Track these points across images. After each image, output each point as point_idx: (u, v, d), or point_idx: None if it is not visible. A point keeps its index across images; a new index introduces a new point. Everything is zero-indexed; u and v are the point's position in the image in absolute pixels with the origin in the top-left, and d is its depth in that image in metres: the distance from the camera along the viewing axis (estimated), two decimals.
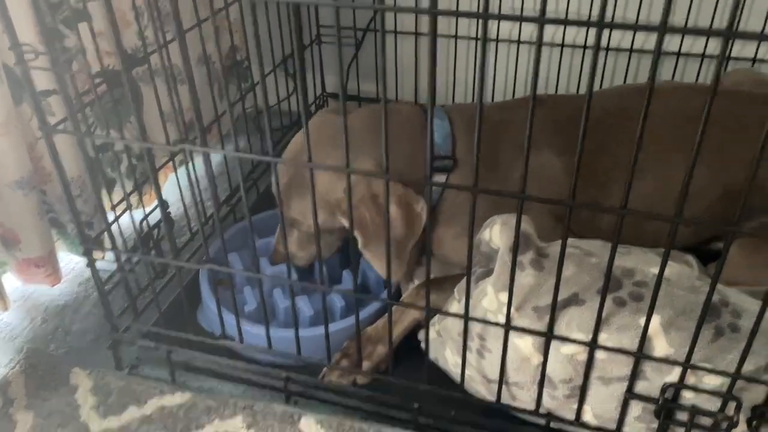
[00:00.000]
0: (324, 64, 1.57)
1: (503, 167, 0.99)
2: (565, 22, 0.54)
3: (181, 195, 1.13)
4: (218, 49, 0.77)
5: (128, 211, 0.95)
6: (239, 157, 0.76)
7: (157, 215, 0.96)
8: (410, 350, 0.94)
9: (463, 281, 0.87)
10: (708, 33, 0.51)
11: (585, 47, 1.42)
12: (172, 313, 1.02)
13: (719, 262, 0.61)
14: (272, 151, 0.74)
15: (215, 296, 0.92)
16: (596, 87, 1.45)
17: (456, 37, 1.47)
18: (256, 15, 0.65)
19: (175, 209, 1.25)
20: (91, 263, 0.90)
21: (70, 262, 1.19)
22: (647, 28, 0.51)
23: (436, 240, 1.04)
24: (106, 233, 0.91)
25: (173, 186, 1.16)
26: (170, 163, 1.13)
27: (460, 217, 1.00)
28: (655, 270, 0.74)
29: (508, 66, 1.49)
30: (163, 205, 0.98)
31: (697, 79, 1.39)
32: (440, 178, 0.99)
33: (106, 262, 1.12)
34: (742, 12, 1.29)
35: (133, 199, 1.08)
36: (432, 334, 0.92)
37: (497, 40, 1.45)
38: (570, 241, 0.80)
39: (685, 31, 0.53)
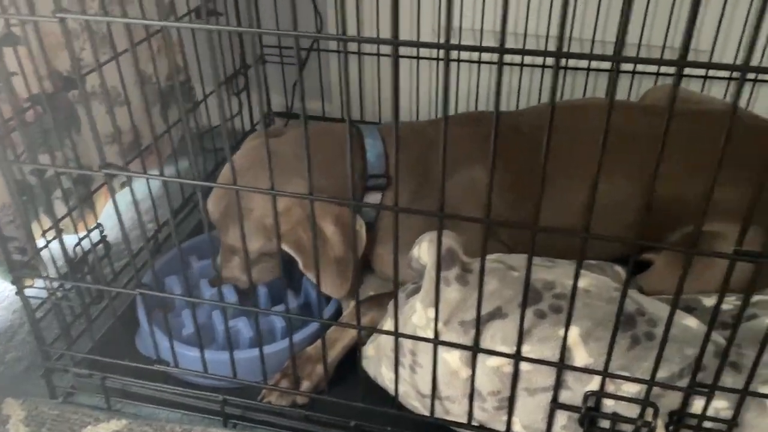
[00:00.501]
0: (269, 84, 1.58)
1: (434, 182, 1.01)
2: (524, 52, 0.56)
3: (119, 218, 1.11)
4: (155, 69, 0.77)
5: (60, 236, 0.93)
6: (166, 180, 0.76)
7: (94, 240, 0.95)
8: (353, 367, 0.95)
9: (400, 298, 0.88)
10: (659, 62, 0.54)
11: (544, 66, 1.46)
12: (109, 339, 1.00)
13: (627, 274, 0.63)
14: (200, 176, 0.74)
15: (153, 320, 0.92)
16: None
17: (418, 58, 1.49)
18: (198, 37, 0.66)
19: (116, 232, 1.24)
20: (20, 290, 0.88)
21: (5, 289, 1.16)
22: (603, 58, 0.53)
23: (376, 257, 1.05)
24: (36, 260, 0.89)
25: (114, 208, 1.15)
26: (109, 188, 1.12)
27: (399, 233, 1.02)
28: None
29: (470, 85, 1.51)
30: (98, 228, 0.97)
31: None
32: (375, 196, 1.00)
33: (39, 289, 1.10)
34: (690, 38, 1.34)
35: (69, 223, 1.06)
36: (370, 351, 0.93)
37: (459, 60, 1.48)
38: (495, 256, 0.82)
39: (637, 60, 0.55)
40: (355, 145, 1.01)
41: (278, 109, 1.64)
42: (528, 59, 1.45)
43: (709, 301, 0.91)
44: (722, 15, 1.29)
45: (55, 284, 0.90)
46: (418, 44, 0.57)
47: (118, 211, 0.87)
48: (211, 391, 0.92)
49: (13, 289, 1.16)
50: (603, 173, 0.95)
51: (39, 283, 0.92)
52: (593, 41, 1.38)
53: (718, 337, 0.75)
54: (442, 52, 1.45)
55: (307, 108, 1.60)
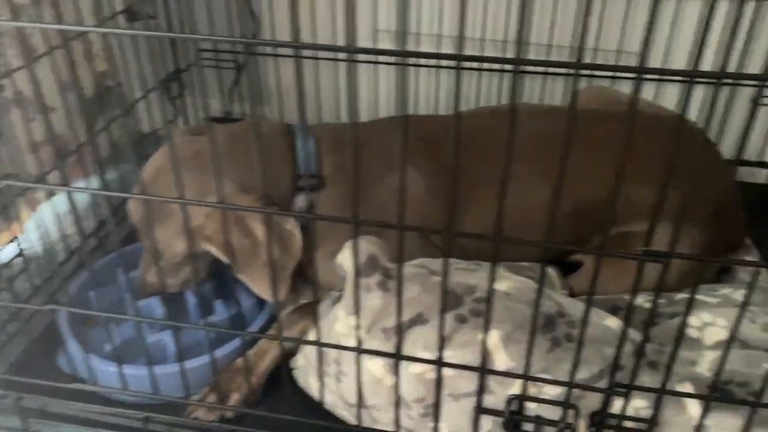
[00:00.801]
0: (206, 88, 1.54)
1: (369, 186, 0.99)
2: (483, 59, 0.54)
3: (38, 232, 1.07)
4: (75, 74, 0.73)
5: None
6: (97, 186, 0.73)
7: (11, 254, 0.91)
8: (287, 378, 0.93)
9: (323, 306, 0.87)
10: (560, 64, 0.53)
11: (502, 71, 1.44)
12: (29, 357, 0.96)
13: (541, 277, 0.63)
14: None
15: (74, 337, 0.88)
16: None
17: (377, 63, 1.47)
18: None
19: (40, 246, 1.19)
20: None
21: None
22: (562, 65, 0.52)
23: (308, 262, 1.03)
24: None
25: (42, 221, 1.11)
26: (34, 197, 1.08)
27: (329, 237, 1.00)
28: (498, 286, 0.76)
29: (429, 89, 1.50)
30: (16, 242, 0.93)
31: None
32: (308, 197, 0.98)
33: None
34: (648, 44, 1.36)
35: None
36: (300, 361, 0.91)
37: (417, 66, 1.45)
38: (418, 261, 0.81)
39: (596, 67, 0.53)
40: (285, 144, 0.98)
41: (217, 113, 1.60)
42: (487, 63, 1.44)
43: (637, 301, 0.92)
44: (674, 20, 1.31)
45: None
46: (378, 51, 0.55)
47: (47, 222, 0.84)
48: (137, 409, 0.89)
49: None
50: (532, 177, 0.95)
51: None
52: (549, 45, 1.37)
53: (638, 336, 0.76)
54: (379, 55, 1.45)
55: (245, 112, 1.57)
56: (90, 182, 1.28)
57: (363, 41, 1.48)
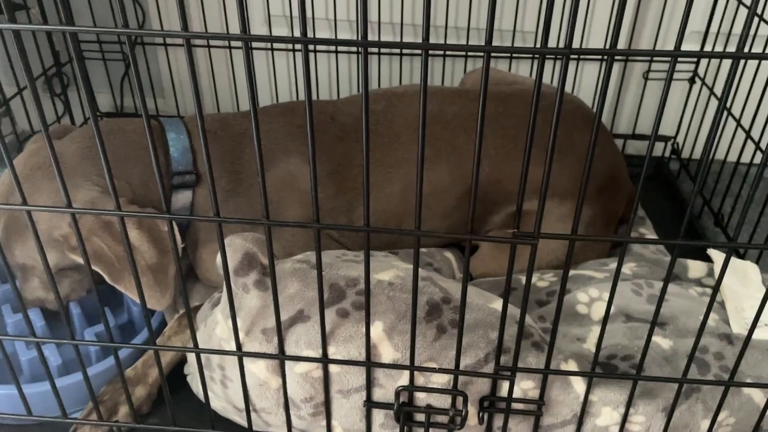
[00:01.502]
0: (92, 82, 1.45)
1: (248, 178, 0.95)
2: (331, 42, 0.51)
3: None
4: None
5: None
6: None
7: None
8: (181, 387, 0.88)
9: (204, 309, 0.83)
10: (467, 48, 0.50)
11: (358, 53, 1.41)
12: None
13: (415, 263, 0.61)
14: None
15: None
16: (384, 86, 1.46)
17: (272, 49, 1.43)
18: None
19: None
20: None
21: None
22: (412, 46, 0.49)
23: (197, 261, 0.98)
24: None
25: None
26: None
27: (213, 235, 0.95)
28: (381, 276, 0.74)
29: (330, 73, 1.46)
30: None
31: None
32: (184, 194, 0.93)
33: None
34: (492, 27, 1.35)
35: None
36: (191, 367, 0.87)
37: (315, 52, 1.41)
38: (300, 256, 0.78)
39: (445, 47, 0.50)
40: (157, 141, 0.93)
41: (107, 108, 1.51)
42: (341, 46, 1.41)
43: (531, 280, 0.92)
44: None
45: None
46: (272, 39, 0.51)
47: None
48: (17, 430, 0.83)
49: None
50: (424, 161, 0.94)
51: None
52: (402, 25, 1.36)
53: (528, 319, 0.75)
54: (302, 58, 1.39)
55: (138, 105, 1.48)
56: None
57: (257, 28, 1.42)
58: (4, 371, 0.86)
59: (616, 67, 1.38)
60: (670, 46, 1.34)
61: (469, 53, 1.40)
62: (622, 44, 1.34)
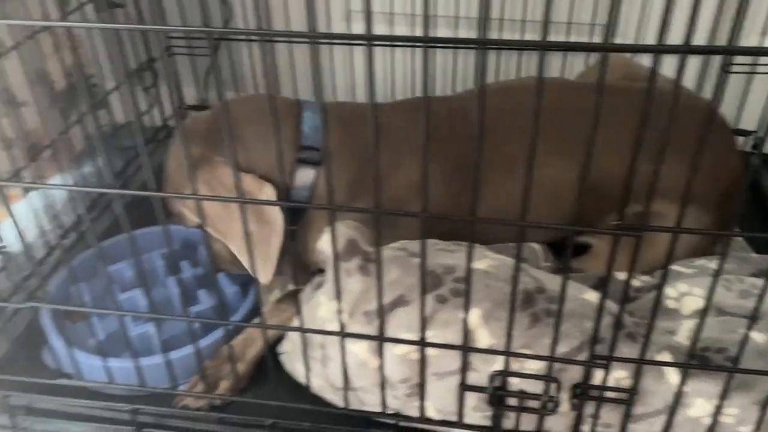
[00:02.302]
0: (179, 76, 1.52)
1: (380, 172, 0.95)
2: (446, 40, 0.54)
3: (16, 228, 1.06)
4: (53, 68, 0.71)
5: None
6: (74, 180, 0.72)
7: None
8: (275, 365, 0.93)
9: (306, 291, 0.87)
10: (588, 48, 0.52)
11: (477, 48, 1.41)
12: (13, 355, 0.96)
13: (518, 252, 0.63)
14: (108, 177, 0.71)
15: (59, 332, 0.88)
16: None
17: (351, 43, 1.44)
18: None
19: (18, 244, 1.18)
20: None
21: None
22: (529, 45, 0.52)
23: (304, 244, 1.01)
24: None
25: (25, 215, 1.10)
26: (12, 193, 1.07)
27: (324, 219, 0.94)
28: (477, 265, 0.76)
29: (405, 69, 1.48)
30: None
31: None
32: (308, 172, 0.94)
33: None
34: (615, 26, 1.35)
35: None
36: (287, 346, 0.92)
37: (377, 45, 1.42)
38: (398, 244, 0.81)
39: (565, 46, 0.53)
40: (292, 115, 0.95)
41: (192, 102, 1.58)
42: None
43: (622, 276, 0.92)
44: None
45: None
46: (339, 35, 0.55)
47: (26, 218, 0.83)
48: (125, 401, 0.89)
49: None
50: (541, 155, 0.93)
51: None
52: (523, 21, 1.35)
53: (615, 308, 0.77)
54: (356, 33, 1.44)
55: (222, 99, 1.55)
56: (66, 178, 1.27)
57: (337, 23, 1.46)
58: (115, 346, 0.93)
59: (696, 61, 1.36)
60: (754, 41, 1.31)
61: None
62: (702, 39, 1.32)
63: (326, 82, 1.54)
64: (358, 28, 1.47)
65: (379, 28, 1.45)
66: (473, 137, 0.93)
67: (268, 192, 0.89)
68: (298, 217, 0.96)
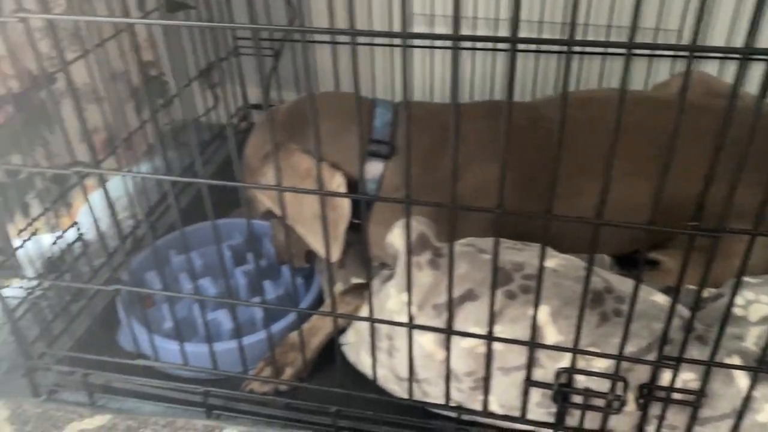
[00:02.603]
0: (244, 76, 1.57)
1: (442, 169, 0.96)
2: (536, 41, 0.56)
3: (93, 216, 1.12)
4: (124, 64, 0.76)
5: (35, 236, 0.94)
6: (139, 176, 0.77)
7: (71, 238, 0.95)
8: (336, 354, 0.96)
9: (374, 284, 0.90)
10: (674, 47, 0.53)
11: (559, 52, 1.39)
12: (91, 336, 1.01)
13: (591, 251, 0.64)
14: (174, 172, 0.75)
15: (132, 316, 0.92)
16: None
17: (432, 47, 1.49)
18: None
19: (95, 230, 1.24)
20: None
21: None
22: (615, 45, 0.53)
23: (376, 237, 1.02)
24: (12, 260, 0.90)
25: (95, 206, 1.15)
26: (89, 183, 1.12)
27: (396, 214, 0.93)
28: (545, 263, 0.77)
29: (485, 72, 1.50)
30: (75, 226, 0.98)
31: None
32: (377, 165, 0.97)
33: (16, 289, 1.10)
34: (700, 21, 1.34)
35: (46, 222, 1.07)
36: (350, 337, 0.94)
37: (474, 49, 1.43)
38: (466, 240, 0.83)
39: (652, 46, 0.54)
40: (365, 110, 1.00)
41: (255, 101, 1.63)
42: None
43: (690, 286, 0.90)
44: None
45: (33, 283, 0.90)
46: (430, 36, 0.57)
47: (99, 208, 0.88)
48: (194, 383, 0.93)
49: None
50: (621, 171, 0.90)
51: (17, 283, 0.92)
52: (609, 26, 1.35)
53: (685, 311, 0.77)
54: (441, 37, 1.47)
55: (282, 99, 1.59)
56: (140, 169, 1.33)
57: (398, 26, 1.49)
58: (185, 331, 0.97)
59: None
60: None
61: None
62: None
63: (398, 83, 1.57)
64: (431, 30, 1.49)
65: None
66: (549, 146, 0.92)
67: (339, 180, 0.94)
68: (363, 210, 0.99)
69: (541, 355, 0.75)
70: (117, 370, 0.94)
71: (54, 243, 0.96)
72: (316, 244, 0.95)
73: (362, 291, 0.99)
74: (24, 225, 0.98)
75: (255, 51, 0.64)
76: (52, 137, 1.16)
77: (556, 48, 1.38)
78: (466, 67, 1.49)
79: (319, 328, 0.97)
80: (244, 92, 1.66)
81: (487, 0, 1.43)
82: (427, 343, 0.78)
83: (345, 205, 0.93)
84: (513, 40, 0.55)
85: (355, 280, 1.02)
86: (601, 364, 0.74)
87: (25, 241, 0.96)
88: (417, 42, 1.46)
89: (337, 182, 0.93)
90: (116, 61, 1.28)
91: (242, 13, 1.51)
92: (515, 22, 0.53)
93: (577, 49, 1.34)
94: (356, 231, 0.99)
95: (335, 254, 0.95)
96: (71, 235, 1.03)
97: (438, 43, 1.42)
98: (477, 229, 0.89)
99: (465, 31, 1.45)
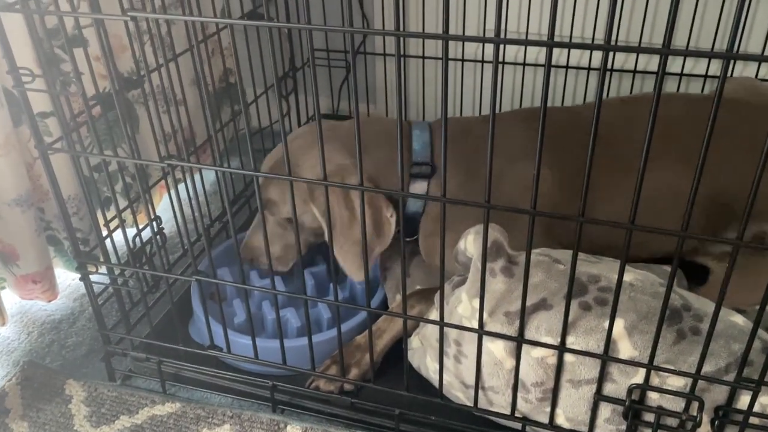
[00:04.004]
0: (318, 86, 1.62)
1: (481, 177, 0.99)
2: (571, 45, 0.57)
3: (174, 212, 1.17)
4: (211, 71, 0.81)
5: (121, 228, 0.99)
6: (224, 172, 0.80)
7: (150, 231, 1.00)
8: (398, 358, 0.97)
9: (446, 289, 0.90)
10: (710, 55, 0.54)
11: (589, 69, 1.44)
12: (164, 326, 1.05)
13: (674, 267, 0.64)
14: (254, 166, 0.78)
15: (206, 308, 0.96)
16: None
17: (463, 60, 1.51)
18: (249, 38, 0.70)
19: (170, 226, 1.30)
20: (84, 277, 0.93)
21: (67, 278, 1.23)
22: (651, 51, 0.54)
23: (428, 249, 1.06)
24: (99, 248, 0.95)
25: (169, 203, 1.21)
26: (165, 182, 1.18)
27: (449, 225, 1.02)
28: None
29: (514, 87, 1.52)
30: (156, 220, 1.02)
31: None
32: (421, 185, 1.02)
33: (101, 276, 1.15)
34: (742, 34, 1.33)
35: (128, 216, 1.12)
36: (415, 342, 0.95)
37: (504, 63, 1.46)
38: (540, 250, 0.83)
39: (686, 53, 0.56)
40: (404, 136, 1.02)
41: (325, 111, 1.68)
42: (573, 61, 1.45)
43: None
44: None
45: (117, 271, 0.95)
46: (464, 38, 0.59)
47: (173, 203, 0.92)
48: (261, 378, 0.96)
49: (74, 278, 1.23)
50: (662, 164, 0.93)
51: (101, 271, 0.97)
52: (639, 42, 1.37)
53: (765, 334, 0.75)
54: (488, 55, 1.48)
55: (352, 109, 1.63)
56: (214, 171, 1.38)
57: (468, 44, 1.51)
58: (255, 326, 1.00)
59: None
60: None
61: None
62: None
63: (457, 98, 1.59)
64: (489, 50, 1.51)
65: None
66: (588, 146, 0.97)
67: (392, 211, 0.98)
68: (411, 229, 1.05)
69: (614, 369, 0.74)
70: (189, 360, 0.97)
71: (136, 235, 1.01)
72: (348, 264, 0.97)
73: (425, 295, 1.01)
74: (110, 217, 1.03)
75: (327, 62, 0.67)
76: (136, 137, 1.22)
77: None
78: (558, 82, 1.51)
79: (384, 330, 0.98)
80: (317, 102, 1.70)
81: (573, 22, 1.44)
82: (496, 350, 0.78)
83: (390, 233, 0.97)
84: (606, 48, 0.55)
85: (418, 287, 1.04)
86: (676, 383, 0.72)
87: (111, 231, 1.01)
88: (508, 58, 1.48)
89: (390, 212, 0.97)
90: (199, 66, 1.34)
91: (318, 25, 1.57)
92: (610, 27, 0.54)
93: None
94: (415, 243, 1.06)
95: (363, 275, 0.96)
96: (149, 230, 1.07)
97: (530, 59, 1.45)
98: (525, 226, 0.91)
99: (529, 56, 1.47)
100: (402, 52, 1.51)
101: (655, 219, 0.77)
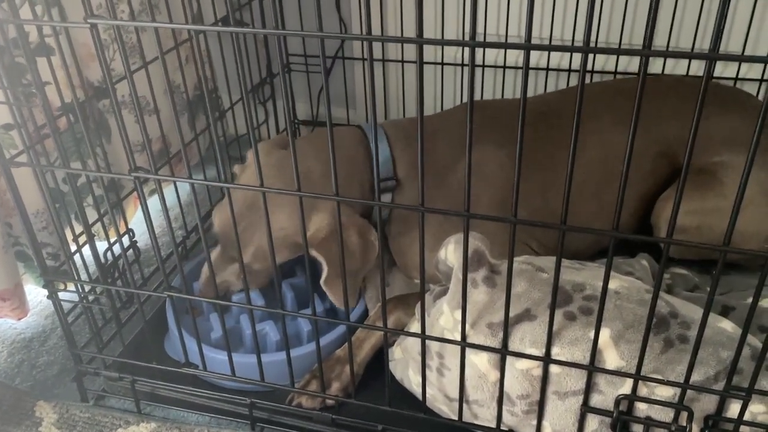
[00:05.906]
0: (294, 92, 1.59)
1: (443, 171, 1.02)
2: (549, 48, 0.55)
3: (147, 224, 1.13)
4: (184, 79, 0.78)
5: (89, 243, 0.95)
6: (194, 186, 0.77)
7: (120, 246, 0.96)
8: (382, 370, 0.94)
9: (427, 300, 0.88)
10: (691, 56, 0.52)
11: (570, 70, 1.44)
12: (138, 343, 1.02)
13: (659, 276, 0.62)
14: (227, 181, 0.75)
15: (179, 325, 0.92)
16: None
17: (442, 63, 1.50)
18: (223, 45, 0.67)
19: (145, 239, 1.26)
20: (52, 294, 0.90)
21: (38, 295, 1.19)
22: (631, 52, 0.53)
23: (396, 248, 1.05)
24: (68, 264, 0.91)
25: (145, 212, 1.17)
26: (138, 194, 1.14)
27: (414, 223, 1.01)
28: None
29: (494, 90, 1.51)
30: (129, 233, 0.99)
31: None
32: (385, 197, 1.02)
33: (70, 294, 1.11)
34: (721, 35, 1.32)
35: (100, 230, 1.08)
36: (397, 353, 0.93)
37: (483, 66, 1.45)
38: (523, 258, 0.81)
39: (667, 54, 0.54)
40: (363, 153, 1.02)
41: (303, 117, 1.65)
42: (554, 63, 1.44)
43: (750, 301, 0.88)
44: (752, 15, 1.27)
45: (87, 288, 0.91)
46: (443, 42, 0.57)
47: (147, 215, 0.88)
48: (239, 395, 0.93)
49: (45, 294, 1.19)
50: (611, 127, 1.04)
51: (71, 288, 0.93)
52: (620, 43, 1.36)
53: (755, 340, 0.73)
54: (466, 58, 1.46)
55: (332, 115, 1.60)
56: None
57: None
58: (231, 342, 0.97)
59: None
60: None
61: None
62: None
63: (438, 102, 1.57)
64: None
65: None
66: (543, 124, 1.01)
67: (375, 235, 0.96)
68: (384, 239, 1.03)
69: (601, 380, 0.72)
70: (164, 378, 0.94)
71: (108, 249, 0.97)
72: (339, 296, 0.95)
73: (404, 300, 0.99)
74: (79, 231, 1.00)
75: (305, 67, 0.64)
76: (107, 147, 1.19)
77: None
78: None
79: (364, 341, 0.96)
80: (294, 107, 1.67)
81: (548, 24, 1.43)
82: (480, 362, 0.76)
83: (375, 255, 0.97)
84: (585, 50, 0.53)
85: (397, 293, 1.02)
86: (665, 393, 0.70)
87: (80, 246, 0.97)
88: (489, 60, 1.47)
89: (374, 236, 0.96)
90: (172, 74, 1.31)
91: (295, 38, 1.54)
92: (588, 29, 0.52)
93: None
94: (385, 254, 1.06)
95: (354, 301, 1.02)
96: (124, 242, 1.04)
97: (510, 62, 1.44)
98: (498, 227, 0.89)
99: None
100: (382, 56, 1.52)
101: (614, 179, 0.78)
